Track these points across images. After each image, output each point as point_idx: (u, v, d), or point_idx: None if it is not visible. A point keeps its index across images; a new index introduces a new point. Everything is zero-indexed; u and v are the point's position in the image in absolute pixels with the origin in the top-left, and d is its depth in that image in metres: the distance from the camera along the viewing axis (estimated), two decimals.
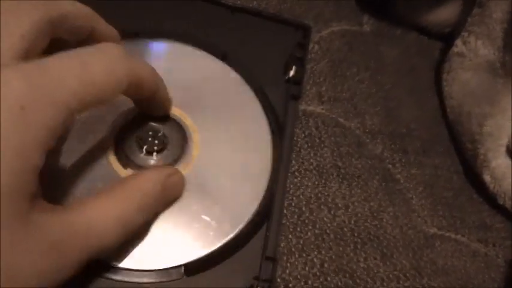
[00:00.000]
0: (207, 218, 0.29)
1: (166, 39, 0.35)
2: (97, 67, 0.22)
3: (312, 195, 0.33)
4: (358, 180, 0.35)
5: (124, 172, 0.29)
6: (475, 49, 0.43)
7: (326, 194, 0.33)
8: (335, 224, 0.33)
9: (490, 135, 0.39)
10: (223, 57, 0.35)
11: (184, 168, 0.30)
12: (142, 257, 0.27)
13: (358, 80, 0.40)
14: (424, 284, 0.33)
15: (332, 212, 0.33)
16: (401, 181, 0.37)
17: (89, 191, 0.27)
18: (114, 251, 0.26)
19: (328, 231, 0.32)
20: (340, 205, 0.33)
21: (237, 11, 0.37)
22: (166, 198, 0.28)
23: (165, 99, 0.29)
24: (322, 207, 0.33)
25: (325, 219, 0.33)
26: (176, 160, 0.30)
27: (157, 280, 0.26)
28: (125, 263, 0.26)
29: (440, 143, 0.41)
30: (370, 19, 0.45)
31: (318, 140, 0.35)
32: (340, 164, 0.35)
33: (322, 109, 0.37)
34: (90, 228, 0.22)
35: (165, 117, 0.31)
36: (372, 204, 0.34)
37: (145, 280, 0.26)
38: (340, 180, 0.34)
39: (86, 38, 0.26)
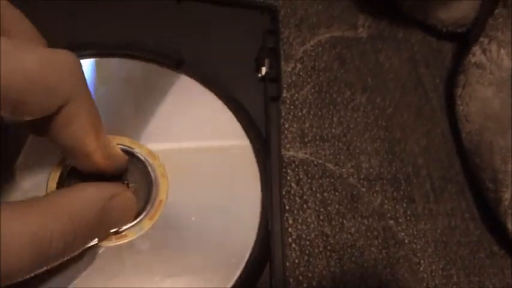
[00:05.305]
0: (194, 275, 0.21)
1: (99, 54, 0.25)
2: None
3: (291, 280, 0.24)
4: (351, 251, 0.26)
5: None
6: (497, 60, 0.33)
7: (310, 275, 0.25)
8: None
9: None
10: (177, 64, 0.25)
11: (152, 217, 0.21)
12: None
13: (352, 108, 0.30)
14: None
15: None
16: (406, 241, 0.28)
17: None
18: None
19: None
20: None
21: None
22: (106, 225, 0.20)
23: None
24: None
25: None
26: (143, 204, 0.22)
27: None
28: None
29: (453, 181, 0.32)
30: (367, 20, 0.34)
31: (299, 200, 0.26)
32: (328, 231, 0.26)
33: (305, 153, 0.28)
34: None
35: None
36: (369, 284, 0.25)
37: None
38: (327, 254, 0.25)
39: None
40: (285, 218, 0.24)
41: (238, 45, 0.27)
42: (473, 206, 0.31)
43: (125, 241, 0.21)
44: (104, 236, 0.21)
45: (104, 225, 0.20)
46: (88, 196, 0.19)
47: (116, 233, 0.21)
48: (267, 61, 0.25)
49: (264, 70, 0.25)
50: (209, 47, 0.27)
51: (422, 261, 0.28)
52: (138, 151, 0.23)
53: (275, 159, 0.24)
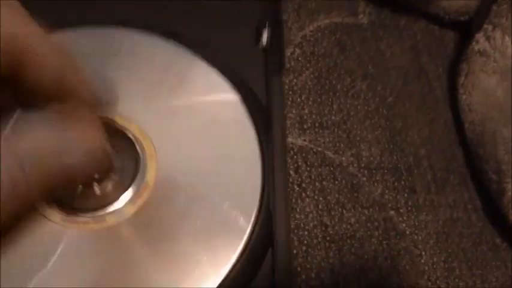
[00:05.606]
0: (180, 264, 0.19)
1: (92, 24, 0.24)
2: None
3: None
4: (351, 242, 0.25)
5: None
6: (501, 47, 0.32)
7: (308, 267, 0.24)
8: None
9: None
10: (171, 35, 0.24)
11: (135, 202, 0.20)
12: None
13: (352, 95, 0.29)
14: None
15: None
16: (407, 233, 0.27)
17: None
18: None
19: None
20: (326, 282, 0.24)
21: None
22: (68, 173, 0.15)
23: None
24: (302, 286, 0.23)
25: None
26: (126, 187, 0.20)
27: None
28: None
29: (455, 172, 0.31)
30: (368, 6, 0.33)
31: (297, 189, 0.25)
32: (327, 221, 0.25)
33: (305, 140, 0.26)
34: None
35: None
36: (369, 276, 0.24)
37: None
38: (327, 244, 0.24)
39: None
40: (289, 197, 0.23)
41: (239, 18, 0.26)
42: (475, 197, 0.30)
43: (104, 226, 0.19)
44: (71, 187, 0.17)
45: (65, 173, 0.15)
46: (43, 136, 0.15)
47: (94, 217, 0.19)
48: (268, 30, 0.24)
49: (264, 38, 0.24)
50: (207, 20, 0.25)
51: (423, 253, 0.27)
52: (126, 128, 0.21)
53: (278, 132, 0.22)
